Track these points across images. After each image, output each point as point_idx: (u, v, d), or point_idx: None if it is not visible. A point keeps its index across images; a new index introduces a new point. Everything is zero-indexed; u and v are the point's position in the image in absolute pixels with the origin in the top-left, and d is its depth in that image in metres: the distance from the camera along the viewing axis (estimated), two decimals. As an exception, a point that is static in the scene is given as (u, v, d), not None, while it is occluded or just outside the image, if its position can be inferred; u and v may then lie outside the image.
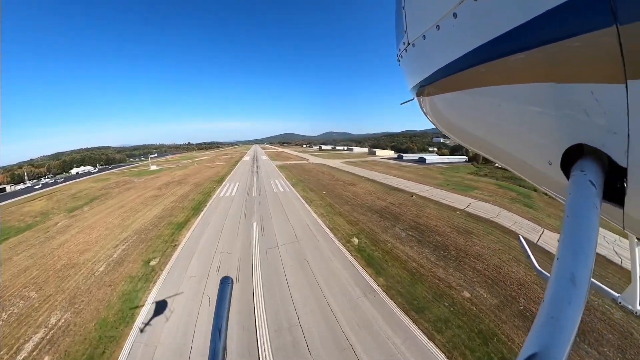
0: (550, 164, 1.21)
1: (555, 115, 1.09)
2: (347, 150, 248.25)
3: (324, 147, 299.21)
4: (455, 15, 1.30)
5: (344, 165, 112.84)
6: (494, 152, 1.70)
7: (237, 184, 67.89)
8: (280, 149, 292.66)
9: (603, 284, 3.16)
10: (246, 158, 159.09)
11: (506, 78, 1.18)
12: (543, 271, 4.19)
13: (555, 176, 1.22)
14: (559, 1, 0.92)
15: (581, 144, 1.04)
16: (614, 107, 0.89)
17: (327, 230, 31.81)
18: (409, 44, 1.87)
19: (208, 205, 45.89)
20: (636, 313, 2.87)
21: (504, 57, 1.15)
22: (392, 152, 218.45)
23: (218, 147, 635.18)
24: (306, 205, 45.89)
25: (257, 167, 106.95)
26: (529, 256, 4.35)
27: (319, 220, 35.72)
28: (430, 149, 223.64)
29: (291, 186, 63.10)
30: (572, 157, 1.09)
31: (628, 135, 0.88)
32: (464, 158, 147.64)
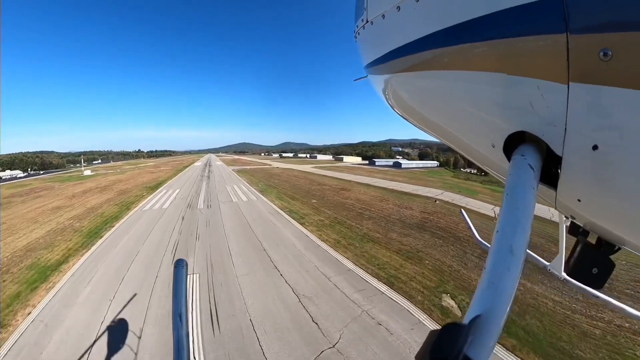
0: (493, 147, 1.26)
1: (503, 103, 1.15)
2: (311, 157, 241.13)
3: (284, 154, 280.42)
4: None
5: (317, 169, 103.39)
6: (441, 132, 1.74)
7: (177, 191, 47.39)
8: (237, 157, 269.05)
9: (537, 254, 3.55)
10: (197, 164, 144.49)
11: (460, 64, 1.21)
12: (483, 241, 4.28)
13: (497, 158, 1.28)
14: (522, 2, 0.98)
15: (523, 131, 1.11)
16: (556, 103, 0.97)
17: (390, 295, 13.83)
18: (367, 21, 1.81)
19: (118, 225, 26.97)
20: (562, 279, 3.20)
21: (460, 45, 1.18)
22: (360, 158, 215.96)
23: (170, 155, 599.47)
24: (296, 224, 26.31)
25: (209, 171, 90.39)
26: (470, 228, 4.67)
27: (346, 262, 17.46)
28: (398, 156, 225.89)
29: (259, 193, 44.26)
30: (514, 143, 1.16)
31: (565, 129, 0.97)
32: (435, 163, 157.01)
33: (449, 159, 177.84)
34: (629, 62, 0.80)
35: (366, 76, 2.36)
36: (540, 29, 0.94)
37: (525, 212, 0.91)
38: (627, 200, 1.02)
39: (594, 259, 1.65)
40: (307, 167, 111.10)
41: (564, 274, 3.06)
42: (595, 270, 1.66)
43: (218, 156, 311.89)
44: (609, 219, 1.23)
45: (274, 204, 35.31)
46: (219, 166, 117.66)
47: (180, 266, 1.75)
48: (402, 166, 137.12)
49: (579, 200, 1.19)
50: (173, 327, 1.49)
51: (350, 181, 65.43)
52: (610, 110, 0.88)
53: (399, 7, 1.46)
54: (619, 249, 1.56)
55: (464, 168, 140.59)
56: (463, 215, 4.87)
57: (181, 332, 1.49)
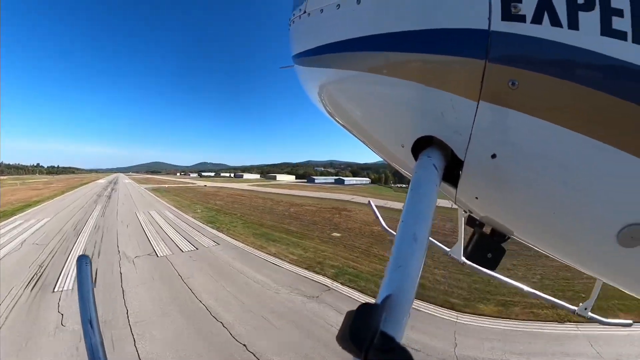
0: (402, 147, 1.35)
1: (417, 110, 1.23)
2: (236, 177, 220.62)
3: (205, 174, 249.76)
4: (358, 1, 1.34)
5: (260, 187, 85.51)
6: (358, 128, 1.80)
7: (45, 221, 23.71)
8: (149, 176, 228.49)
9: (439, 242, 3.88)
10: (101, 181, 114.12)
11: (384, 70, 1.28)
12: (389, 229, 4.54)
13: (405, 157, 1.37)
14: (453, 26, 1.05)
15: (432, 136, 1.20)
16: (465, 116, 1.06)
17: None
18: (305, 12, 1.74)
19: None
20: (462, 262, 3.50)
21: (389, 52, 1.25)
22: (293, 177, 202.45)
23: (73, 172, 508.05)
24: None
25: (112, 190, 64.22)
26: (377, 217, 4.67)
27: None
28: (332, 175, 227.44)
29: (208, 226, 23.75)
30: (422, 145, 1.24)
31: (470, 138, 1.08)
32: (368, 180, 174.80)
33: (380, 177, 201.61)
34: (530, 93, 0.96)
35: (293, 65, 2.21)
36: (464, 52, 1.02)
37: (427, 205, 0.97)
38: (516, 201, 1.23)
39: (488, 246, 1.84)
40: (244, 186, 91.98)
41: (463, 259, 3.40)
42: (489, 255, 1.86)
43: (128, 175, 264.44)
44: (501, 214, 1.45)
45: (288, 259, 15.67)
46: (128, 184, 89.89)
47: (83, 263, 1.56)
48: (345, 182, 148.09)
49: (476, 198, 1.35)
50: (84, 335, 1.34)
51: (324, 199, 53.12)
52: (510, 128, 1.02)
53: (339, 5, 1.44)
54: (509, 238, 1.75)
55: (394, 183, 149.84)
56: (371, 205, 4.92)
57: (94, 339, 1.35)
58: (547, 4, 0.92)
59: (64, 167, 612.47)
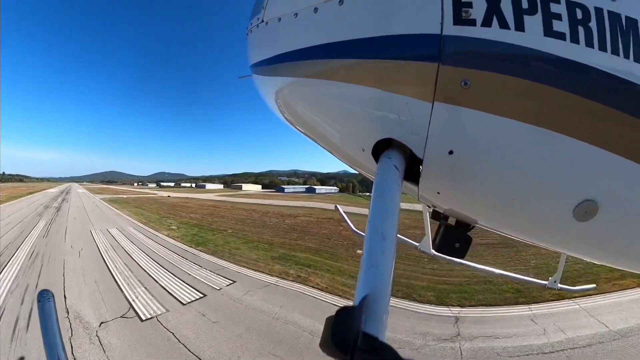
0: (363, 151, 1.36)
1: (375, 114, 1.26)
2: (197, 187, 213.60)
3: (164, 184, 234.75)
4: (316, 10, 1.33)
5: (230, 198, 78.74)
6: (318, 135, 1.80)
7: None
8: (105, 186, 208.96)
9: (407, 237, 4.19)
10: (51, 190, 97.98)
11: (343, 76, 1.29)
12: (358, 231, 4.77)
13: (366, 160, 1.38)
14: (406, 32, 1.09)
15: (391, 138, 1.23)
16: (421, 117, 1.10)
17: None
18: (263, 21, 1.70)
19: None
20: (432, 255, 3.77)
21: (344, 59, 1.26)
22: (259, 186, 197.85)
23: (22, 180, 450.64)
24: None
25: (63, 200, 53.84)
26: (346, 221, 4.88)
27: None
28: (298, 184, 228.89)
29: (199, 249, 17.19)
30: (381, 147, 1.26)
31: (426, 137, 1.12)
32: (336, 189, 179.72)
33: (348, 186, 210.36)
34: (482, 91, 1.01)
35: (251, 75, 2.14)
36: (418, 56, 1.06)
37: (392, 204, 0.99)
38: (476, 192, 1.28)
39: (455, 236, 1.87)
40: (211, 196, 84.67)
41: (433, 251, 3.57)
42: (457, 245, 1.88)
43: (82, 185, 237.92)
44: (463, 206, 1.50)
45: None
46: (82, 194, 77.83)
47: (45, 299, 1.50)
48: (316, 191, 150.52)
49: (438, 193, 1.40)
50: None
51: (313, 208, 47.51)
52: (465, 125, 1.08)
53: (296, 14, 1.43)
54: (473, 227, 1.81)
55: (361, 192, 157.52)
56: (338, 209, 5.10)
57: None
58: (496, 8, 0.98)
59: (10, 175, 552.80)
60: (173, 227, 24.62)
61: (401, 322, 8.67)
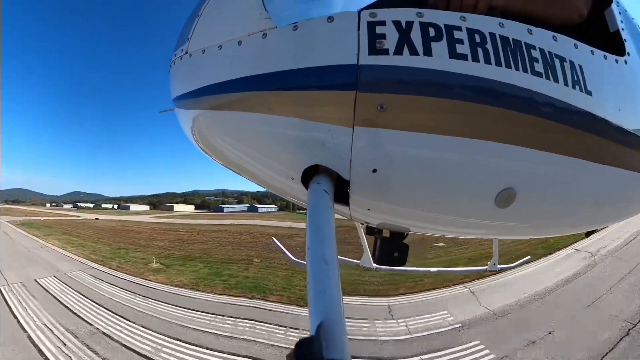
0: (292, 179, 1.39)
1: (300, 143, 1.30)
2: (121, 208, 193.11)
3: (82, 205, 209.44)
4: (240, 42, 1.36)
5: (174, 219, 72.17)
6: (244, 168, 1.82)
7: None
8: (11, 206, 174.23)
9: (346, 257, 4.54)
10: None
11: (266, 108, 1.31)
12: (298, 260, 4.93)
13: (296, 189, 1.42)
14: (325, 64, 1.15)
15: (317, 164, 1.28)
16: (343, 141, 1.17)
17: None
18: (187, 52, 1.67)
19: None
20: (374, 269, 4.07)
21: (268, 91, 1.28)
22: (191, 206, 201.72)
23: None
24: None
25: None
26: (284, 253, 5.06)
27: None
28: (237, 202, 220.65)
29: None
30: (310, 174, 1.30)
31: (350, 160, 1.19)
32: (276, 207, 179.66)
33: (288, 204, 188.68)
34: (397, 113, 1.12)
35: (173, 109, 2.09)
36: (337, 86, 1.13)
37: (328, 228, 1.03)
38: (402, 202, 1.40)
39: (392, 246, 1.99)
40: (146, 218, 76.21)
41: (375, 265, 3.96)
42: (396, 254, 1.98)
43: None
44: (394, 217, 1.59)
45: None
46: None
47: None
48: (259, 210, 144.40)
49: (369, 210, 1.47)
50: None
51: (278, 227, 46.69)
52: (384, 144, 1.17)
53: (220, 46, 1.44)
54: (407, 235, 1.93)
55: (300, 209, 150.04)
56: (275, 242, 6.44)
57: None
58: (406, 38, 1.10)
59: None
60: (158, 266, 18.94)
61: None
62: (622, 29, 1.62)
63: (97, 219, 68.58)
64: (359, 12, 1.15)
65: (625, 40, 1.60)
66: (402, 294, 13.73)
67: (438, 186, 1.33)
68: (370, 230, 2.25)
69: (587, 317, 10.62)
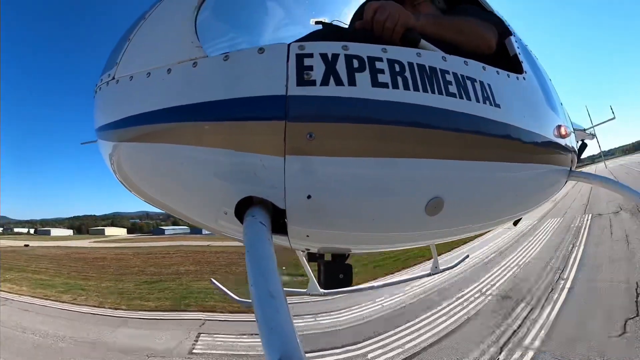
0: (226, 214, 1.37)
1: (231, 175, 1.30)
2: (39, 233, 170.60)
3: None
4: (169, 70, 1.32)
5: (130, 242, 68.44)
6: (172, 204, 1.75)
7: None
8: None
9: (294, 289, 4.73)
10: None
11: (194, 140, 1.28)
12: (242, 299, 4.70)
13: (230, 223, 1.41)
14: (254, 94, 1.19)
15: (251, 196, 1.28)
16: (275, 171, 1.19)
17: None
18: (113, 78, 1.56)
19: None
20: (322, 294, 4.18)
21: (197, 122, 1.26)
22: (123, 229, 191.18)
23: None
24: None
25: None
26: (226, 293, 4.76)
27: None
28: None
29: None
30: (244, 206, 1.29)
31: (284, 189, 1.21)
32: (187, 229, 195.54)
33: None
34: (326, 140, 1.16)
35: (96, 140, 1.94)
36: (266, 116, 1.16)
37: (269, 261, 1.02)
38: (339, 225, 1.44)
39: (336, 269, 1.98)
40: (85, 243, 67.56)
41: (322, 290, 3.96)
42: (341, 276, 1.97)
43: None
44: (333, 241, 1.63)
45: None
46: None
47: None
48: (165, 232, 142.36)
49: (307, 236, 1.49)
50: None
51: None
52: (316, 170, 1.21)
53: (149, 73, 1.37)
54: (349, 255, 1.96)
55: None
56: (214, 283, 4.96)
57: None
58: (332, 70, 1.17)
59: None
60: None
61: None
62: (519, 53, 1.93)
63: (26, 245, 57.96)
64: (289, 44, 1.20)
65: (522, 61, 1.89)
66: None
67: (371, 205, 1.38)
68: (312, 257, 2.25)
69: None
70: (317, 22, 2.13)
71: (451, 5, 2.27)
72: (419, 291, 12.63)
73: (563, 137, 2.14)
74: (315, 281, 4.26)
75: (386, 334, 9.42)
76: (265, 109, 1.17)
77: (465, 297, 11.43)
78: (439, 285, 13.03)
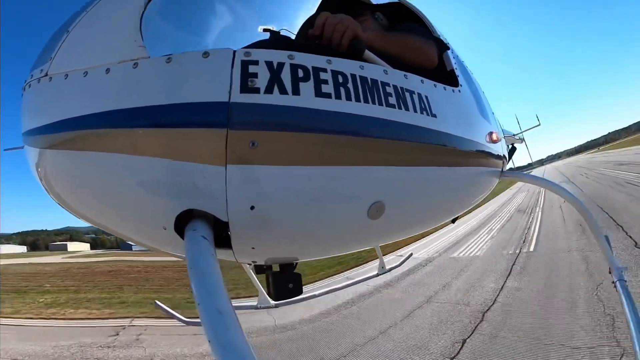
0: (165, 229, 1.28)
1: (169, 186, 1.20)
2: None
3: None
4: (107, 70, 1.19)
5: (106, 257, 59.50)
6: (105, 220, 1.58)
7: None
8: None
9: (243, 302, 5.07)
10: None
11: (131, 148, 1.18)
12: (189, 320, 4.54)
13: (170, 239, 1.31)
14: (195, 100, 1.12)
15: (191, 209, 1.20)
16: (217, 181, 1.13)
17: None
18: (46, 75, 1.35)
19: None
20: (274, 305, 4.19)
21: (134, 129, 1.16)
22: (86, 244, 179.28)
23: None
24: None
25: None
26: (173, 315, 4.57)
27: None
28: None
29: None
30: (184, 221, 1.22)
31: (226, 200, 1.15)
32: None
33: None
34: (269, 149, 1.14)
35: (22, 147, 1.68)
36: (207, 124, 1.10)
37: (215, 278, 0.97)
38: (284, 234, 1.41)
39: (285, 279, 1.87)
40: (57, 259, 60.15)
41: (273, 302, 3.99)
42: (291, 285, 1.86)
43: None
44: (279, 251, 1.62)
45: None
46: None
47: None
48: (133, 248, 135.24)
49: (253, 249, 1.45)
50: None
51: None
52: (259, 180, 1.19)
53: (86, 72, 1.23)
54: (296, 264, 1.87)
55: None
56: (159, 306, 4.68)
57: None
58: (277, 78, 1.17)
59: None
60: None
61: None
62: (456, 68, 2.11)
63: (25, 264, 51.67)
64: (235, 50, 1.17)
65: (458, 75, 2.06)
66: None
67: (315, 213, 1.39)
68: (259, 269, 2.22)
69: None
70: (264, 30, 2.13)
71: (393, 23, 2.41)
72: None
73: (494, 142, 2.35)
74: (265, 293, 4.22)
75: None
76: (206, 115, 1.11)
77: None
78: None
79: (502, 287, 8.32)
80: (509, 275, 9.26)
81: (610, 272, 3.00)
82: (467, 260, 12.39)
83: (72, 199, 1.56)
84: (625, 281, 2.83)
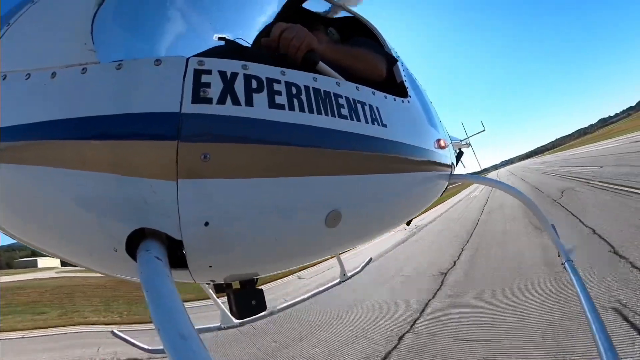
0: (116, 251, 1.16)
1: (118, 204, 1.10)
2: None
3: None
4: (53, 74, 1.06)
5: (87, 273, 42.53)
6: (47, 244, 1.36)
7: None
8: None
9: (207, 324, 4.37)
10: None
11: (76, 162, 1.06)
12: (152, 347, 4.34)
13: (122, 261, 1.18)
14: (144, 110, 1.04)
15: (142, 227, 1.11)
16: (168, 197, 1.05)
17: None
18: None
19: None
20: (238, 325, 4.28)
21: (79, 140, 1.05)
22: (57, 259, 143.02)
23: None
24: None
25: None
26: (133, 344, 4.40)
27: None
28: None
29: None
30: (135, 241, 1.12)
31: (179, 216, 1.07)
32: None
33: None
34: (222, 161, 1.09)
35: None
36: (157, 136, 1.02)
37: (174, 300, 0.90)
38: (242, 250, 1.32)
39: (247, 296, 1.79)
40: (28, 275, 49.63)
41: (236, 321, 3.83)
42: (254, 302, 1.78)
43: None
44: (238, 268, 1.51)
45: None
46: None
47: None
48: None
49: (210, 267, 1.33)
50: None
51: None
52: (212, 194, 1.12)
53: (29, 74, 1.09)
54: (257, 279, 1.80)
55: None
56: (117, 335, 4.53)
57: None
58: (230, 89, 1.11)
59: None
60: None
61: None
62: (405, 80, 2.18)
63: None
64: (188, 58, 1.10)
65: (407, 87, 2.14)
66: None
67: (272, 225, 1.32)
68: (218, 288, 2.13)
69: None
70: (219, 38, 2.07)
71: (345, 37, 2.46)
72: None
73: (442, 148, 2.48)
74: (228, 312, 3.96)
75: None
76: (156, 127, 1.02)
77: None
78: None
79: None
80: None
81: (559, 255, 3.04)
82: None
83: (9, 221, 1.30)
84: (573, 261, 2.87)
